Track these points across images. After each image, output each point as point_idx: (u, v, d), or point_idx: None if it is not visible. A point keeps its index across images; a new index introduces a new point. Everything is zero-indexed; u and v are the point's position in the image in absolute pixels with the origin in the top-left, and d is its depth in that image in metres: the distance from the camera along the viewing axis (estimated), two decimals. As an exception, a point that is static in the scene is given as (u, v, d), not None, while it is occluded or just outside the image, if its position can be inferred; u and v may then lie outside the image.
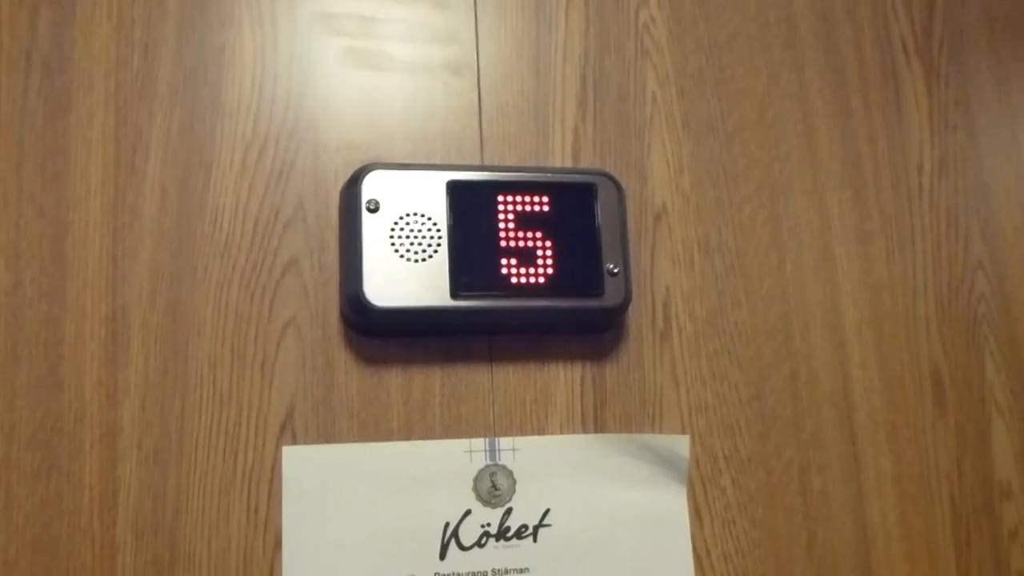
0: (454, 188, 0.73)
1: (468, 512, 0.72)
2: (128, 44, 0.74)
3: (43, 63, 0.72)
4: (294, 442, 0.70)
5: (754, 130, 0.86)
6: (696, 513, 0.76)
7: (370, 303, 0.69)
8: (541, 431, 0.75)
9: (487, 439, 0.73)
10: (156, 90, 0.74)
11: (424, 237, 0.72)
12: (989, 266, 0.89)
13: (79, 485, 0.66)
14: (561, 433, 0.75)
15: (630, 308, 0.77)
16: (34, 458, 0.65)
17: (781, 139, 0.86)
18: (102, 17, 0.74)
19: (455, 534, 0.71)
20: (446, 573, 0.70)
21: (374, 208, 0.72)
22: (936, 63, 0.93)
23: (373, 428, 0.72)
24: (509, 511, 0.72)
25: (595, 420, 0.76)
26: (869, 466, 0.80)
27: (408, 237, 0.72)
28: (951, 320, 0.86)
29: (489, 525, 0.72)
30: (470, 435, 0.73)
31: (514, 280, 0.73)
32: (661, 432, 0.77)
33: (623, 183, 0.79)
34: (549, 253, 0.74)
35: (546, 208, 0.74)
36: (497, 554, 0.71)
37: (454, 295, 0.71)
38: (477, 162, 0.78)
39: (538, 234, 0.74)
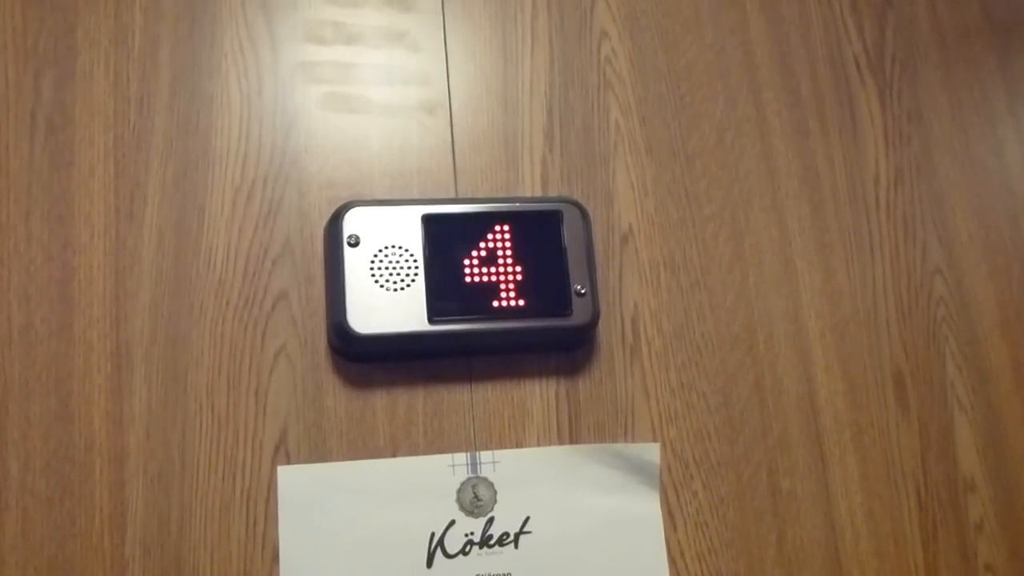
0: (428, 221, 0.79)
1: (452, 522, 0.76)
2: (125, 100, 0.80)
3: (47, 121, 0.78)
4: (288, 462, 0.75)
5: (714, 152, 0.90)
6: (670, 516, 0.80)
7: (354, 331, 0.75)
8: (519, 444, 0.79)
9: (468, 453, 0.78)
10: (152, 142, 0.80)
11: (402, 268, 0.77)
12: (947, 270, 0.93)
13: (90, 507, 0.71)
14: (538, 445, 0.79)
15: (600, 325, 0.82)
16: (48, 484, 0.71)
17: (740, 160, 0.91)
18: (100, 75, 0.80)
19: (440, 543, 0.75)
20: (433, 580, 0.74)
21: (355, 242, 0.77)
22: (889, 79, 0.97)
23: (361, 447, 0.76)
24: (491, 520, 0.76)
25: (570, 432, 0.80)
26: (836, 466, 0.84)
27: (387, 268, 0.77)
28: (911, 323, 0.90)
29: (472, 534, 0.76)
30: (452, 450, 0.78)
31: (487, 304, 0.78)
32: (633, 441, 0.81)
33: (590, 208, 0.84)
34: (519, 277, 0.78)
35: (516, 235, 0.79)
36: (481, 561, 0.75)
37: (431, 320, 0.76)
38: (452, 195, 0.84)
39: (508, 260, 0.79)
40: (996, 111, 1.00)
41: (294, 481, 0.74)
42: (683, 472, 0.81)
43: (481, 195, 0.84)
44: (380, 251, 0.77)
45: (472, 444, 0.78)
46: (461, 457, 0.78)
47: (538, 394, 0.81)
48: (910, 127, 0.96)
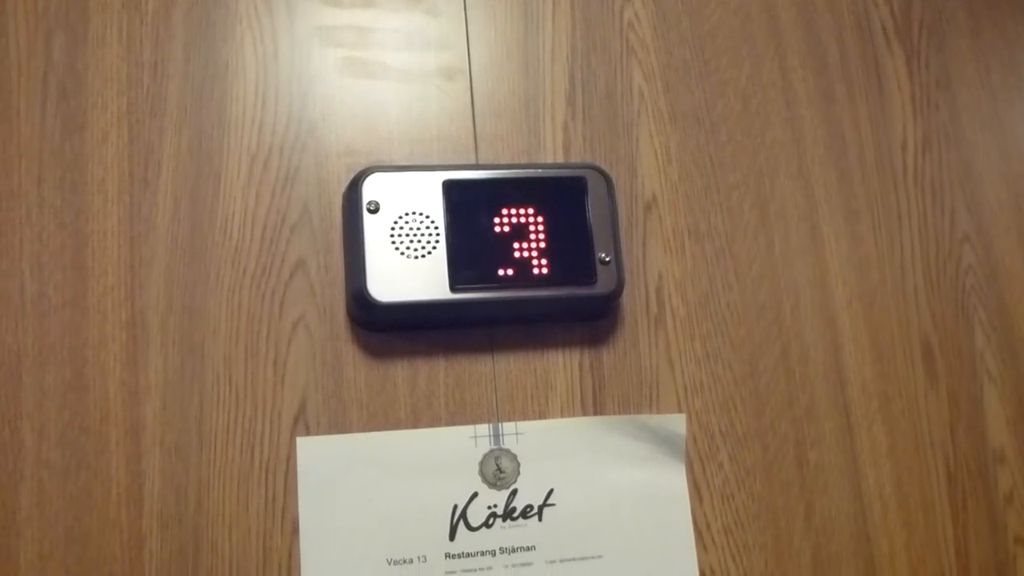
0: (450, 187, 0.77)
1: (475, 495, 0.74)
2: (138, 64, 0.78)
3: (59, 85, 0.76)
4: (307, 434, 0.73)
5: (739, 119, 0.88)
6: (695, 489, 0.79)
7: (374, 299, 0.73)
8: (543, 415, 0.78)
9: (491, 425, 0.76)
10: (165, 107, 0.78)
11: (423, 234, 0.75)
12: (975, 238, 0.91)
13: (106, 480, 0.69)
14: (562, 417, 0.78)
15: (624, 294, 0.80)
16: (63, 456, 0.69)
17: (766, 126, 0.89)
18: (112, 39, 0.78)
19: (463, 516, 0.74)
20: (456, 553, 0.73)
21: (374, 209, 0.75)
22: (916, 45, 0.95)
23: (382, 418, 0.75)
24: (514, 492, 0.75)
25: (594, 403, 0.79)
26: (863, 437, 0.83)
27: (408, 235, 0.75)
28: (940, 292, 0.88)
29: (496, 506, 0.75)
30: (474, 421, 0.76)
31: (510, 272, 0.76)
32: (658, 412, 0.80)
33: (613, 175, 0.82)
34: (543, 245, 0.77)
35: (539, 202, 0.77)
36: (504, 533, 0.74)
37: (453, 288, 0.74)
38: (472, 161, 0.82)
39: (531, 228, 0.77)
40: (1026, 76, 0.98)
41: (313, 453, 0.73)
42: (709, 444, 0.80)
43: (502, 161, 0.82)
44: (400, 217, 0.75)
45: (495, 415, 0.77)
46: (483, 428, 0.76)
47: (561, 364, 0.79)
48: (938, 93, 0.94)
